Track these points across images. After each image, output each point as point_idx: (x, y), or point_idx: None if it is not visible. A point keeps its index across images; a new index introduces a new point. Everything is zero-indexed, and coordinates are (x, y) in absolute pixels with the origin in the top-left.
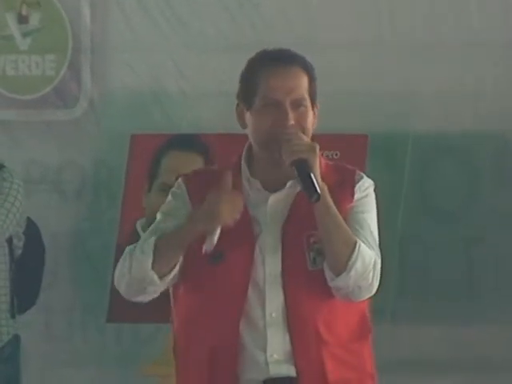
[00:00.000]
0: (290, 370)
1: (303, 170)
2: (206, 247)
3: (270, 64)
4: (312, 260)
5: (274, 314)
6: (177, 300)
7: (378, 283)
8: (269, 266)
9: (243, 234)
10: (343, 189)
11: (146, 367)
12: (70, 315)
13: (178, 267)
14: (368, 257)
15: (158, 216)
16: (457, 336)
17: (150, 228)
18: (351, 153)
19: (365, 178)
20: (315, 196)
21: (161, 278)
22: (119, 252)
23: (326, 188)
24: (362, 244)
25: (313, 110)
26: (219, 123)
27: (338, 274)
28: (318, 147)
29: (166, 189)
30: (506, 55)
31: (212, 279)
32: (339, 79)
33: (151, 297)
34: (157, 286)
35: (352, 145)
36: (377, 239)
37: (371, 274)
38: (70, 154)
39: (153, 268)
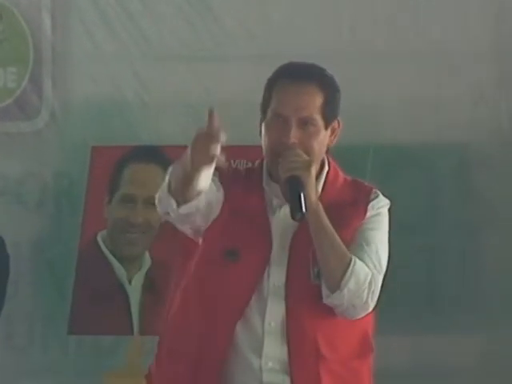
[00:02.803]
0: (284, 381)
1: (294, 188)
2: None
3: (285, 79)
4: (316, 274)
5: (272, 324)
6: (180, 289)
7: (375, 301)
8: (273, 276)
9: (262, 239)
10: (356, 206)
11: (107, 379)
12: (31, 326)
13: (196, 203)
14: (363, 275)
15: None
16: (418, 345)
17: None
18: None
19: (380, 196)
20: (298, 214)
21: (178, 204)
22: (80, 262)
23: (320, 206)
24: (358, 262)
25: (327, 129)
26: (180, 135)
27: (332, 291)
28: (313, 165)
29: (126, 200)
30: (467, 65)
31: (223, 276)
32: None
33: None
34: (176, 214)
35: None
36: (382, 258)
37: (365, 292)
38: (31, 165)
39: (169, 191)
